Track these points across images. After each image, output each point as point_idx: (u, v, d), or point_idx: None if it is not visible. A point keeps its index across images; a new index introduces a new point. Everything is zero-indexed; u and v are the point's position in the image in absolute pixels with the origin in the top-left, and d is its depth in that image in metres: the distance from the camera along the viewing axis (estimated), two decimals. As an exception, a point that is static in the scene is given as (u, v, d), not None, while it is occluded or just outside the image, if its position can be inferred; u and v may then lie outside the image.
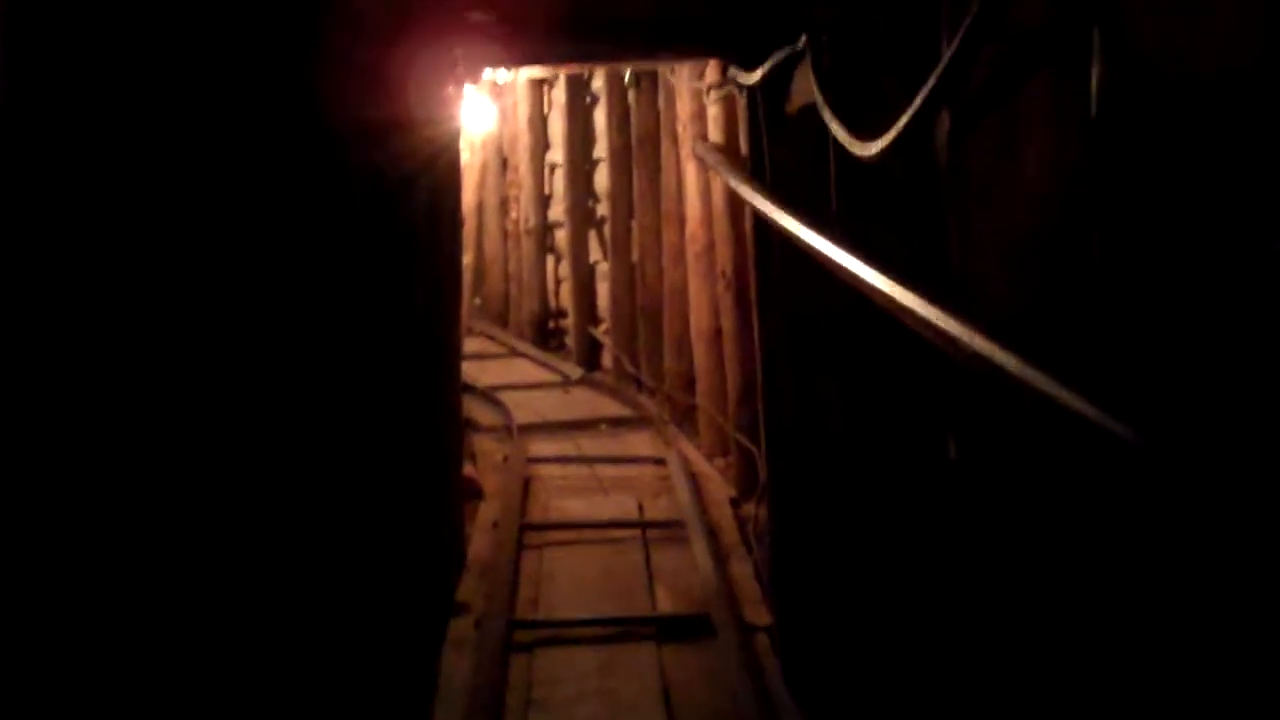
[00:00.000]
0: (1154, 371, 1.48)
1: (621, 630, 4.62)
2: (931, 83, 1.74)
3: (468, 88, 5.57)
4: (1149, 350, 1.49)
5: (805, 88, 2.88)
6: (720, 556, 5.16)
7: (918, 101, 1.78)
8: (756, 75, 3.48)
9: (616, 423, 7.59)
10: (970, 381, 1.90)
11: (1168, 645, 1.50)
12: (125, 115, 1.63)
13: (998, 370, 1.56)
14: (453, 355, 5.76)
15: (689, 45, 4.49)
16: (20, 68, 1.50)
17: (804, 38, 3.07)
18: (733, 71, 4.09)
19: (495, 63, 5.01)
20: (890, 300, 2.03)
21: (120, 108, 1.63)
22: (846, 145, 2.26)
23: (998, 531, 2.21)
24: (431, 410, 4.79)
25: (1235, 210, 1.35)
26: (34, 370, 1.54)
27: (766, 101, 3.57)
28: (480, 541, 5.56)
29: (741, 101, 4.50)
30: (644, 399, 7.87)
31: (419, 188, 4.43)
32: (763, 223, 3.79)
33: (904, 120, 1.85)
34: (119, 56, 1.62)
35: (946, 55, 1.75)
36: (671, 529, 5.59)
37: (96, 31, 1.60)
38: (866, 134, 2.44)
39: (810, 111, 2.83)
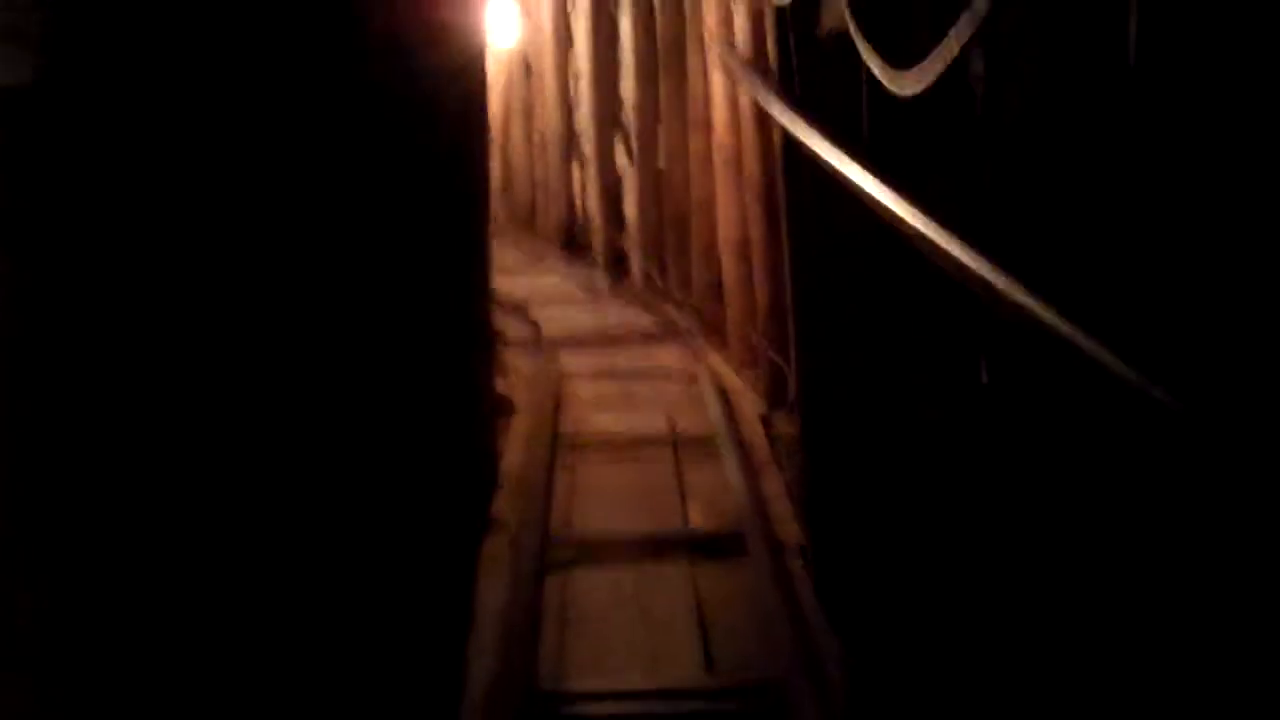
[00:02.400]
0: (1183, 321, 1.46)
1: (656, 547, 4.67)
2: (966, 27, 1.70)
3: (491, -1, 5.48)
4: (1176, 301, 1.47)
5: (837, 11, 2.82)
6: (752, 473, 5.19)
7: (953, 45, 1.74)
8: (785, -6, 3.40)
9: (645, 335, 7.59)
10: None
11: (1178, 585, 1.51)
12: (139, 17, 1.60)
13: (1033, 322, 1.55)
14: (484, 267, 5.75)
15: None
16: None
17: (834, -45, 3.00)
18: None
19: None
20: (922, 238, 2.01)
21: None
22: (884, 79, 2.22)
23: (1025, 457, 2.21)
24: (464, 324, 4.79)
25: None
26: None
27: (796, 21, 3.49)
28: (513, 458, 5.60)
29: (770, 14, 4.42)
30: (672, 310, 7.85)
31: (448, 98, 4.38)
32: (789, 138, 3.74)
33: (940, 64, 1.81)
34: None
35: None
36: (703, 445, 5.61)
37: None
38: (898, 62, 2.39)
39: (842, 36, 2.77)
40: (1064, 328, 1.47)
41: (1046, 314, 1.52)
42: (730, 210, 6.66)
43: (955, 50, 1.75)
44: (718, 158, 6.78)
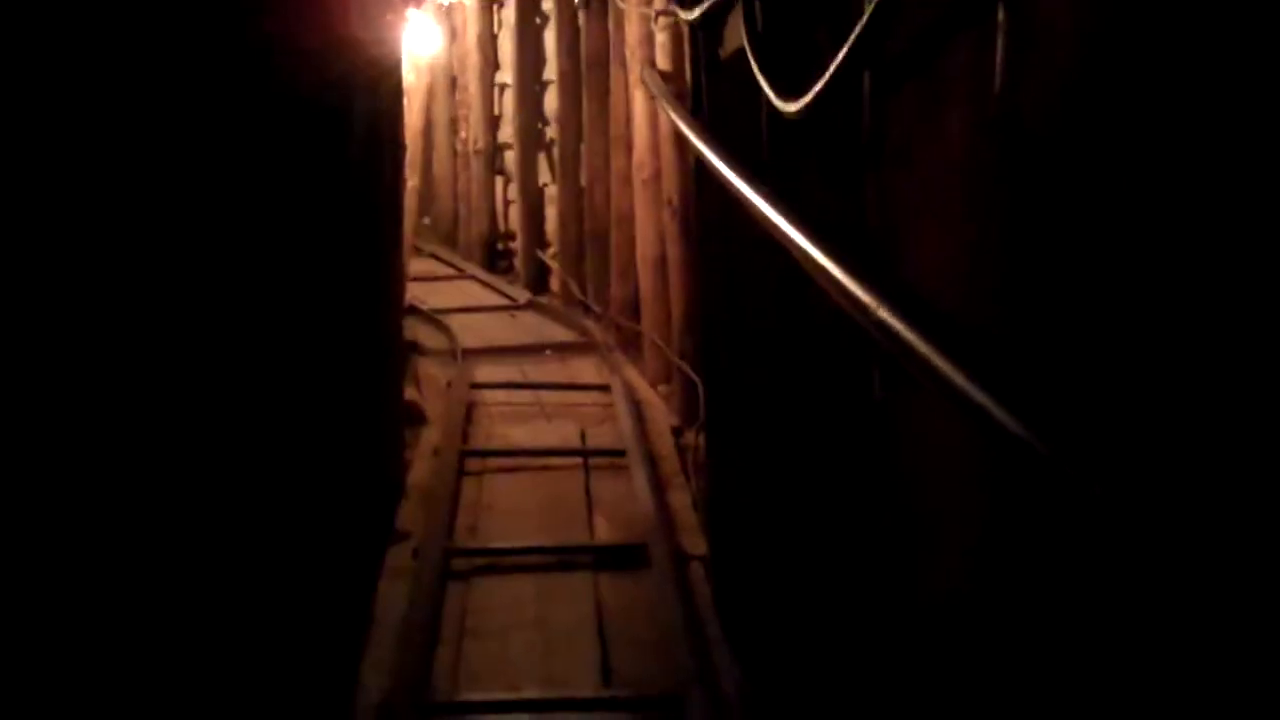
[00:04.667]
0: (1064, 341, 1.52)
1: (559, 559, 4.69)
2: (849, 44, 1.75)
3: (411, 10, 5.49)
4: (1057, 319, 1.53)
5: (739, 33, 2.87)
6: (660, 486, 5.23)
7: (835, 63, 1.79)
8: (695, 13, 3.45)
9: (562, 348, 7.61)
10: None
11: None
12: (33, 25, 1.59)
13: (903, 344, 1.59)
14: (394, 281, 5.74)
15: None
16: None
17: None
18: (675, 4, 4.05)
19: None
20: (808, 258, 2.06)
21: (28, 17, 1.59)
22: (772, 100, 2.27)
23: (915, 470, 2.26)
24: (371, 335, 4.79)
25: (1138, 192, 1.38)
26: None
27: (705, 41, 3.55)
28: (421, 468, 5.59)
29: (687, 34, 4.47)
30: (590, 324, 7.88)
31: (358, 112, 4.38)
32: (699, 158, 3.78)
33: (822, 82, 1.86)
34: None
35: (864, 17, 1.76)
36: (613, 457, 5.64)
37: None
38: (797, 86, 2.44)
39: (744, 57, 2.82)
40: (925, 349, 1.52)
41: (911, 335, 1.57)
42: (648, 228, 6.71)
43: (834, 68, 1.80)
44: (637, 176, 6.83)
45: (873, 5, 1.63)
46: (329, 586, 3.71)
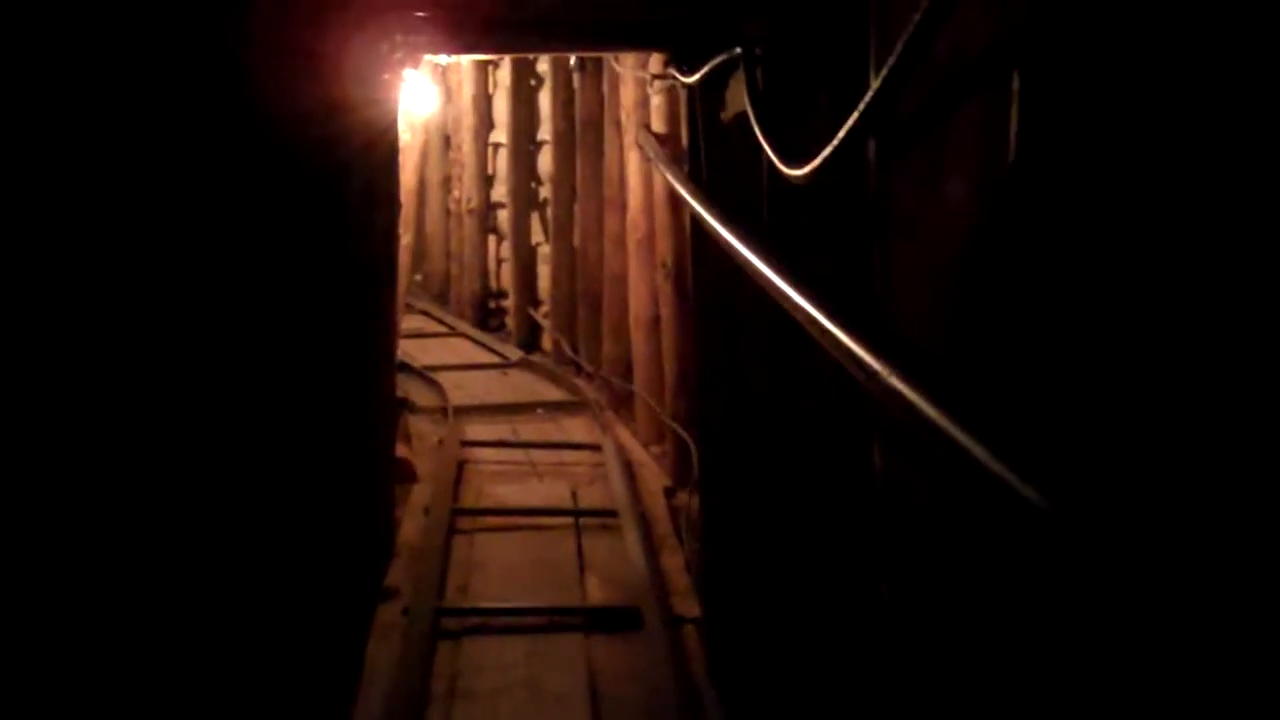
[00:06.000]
0: (1069, 405, 1.51)
1: (551, 620, 4.65)
2: (857, 113, 1.76)
3: (408, 71, 5.53)
4: (1064, 383, 1.52)
5: (740, 97, 2.89)
6: (652, 547, 5.20)
7: (843, 131, 1.80)
8: (695, 77, 3.48)
9: (554, 407, 7.60)
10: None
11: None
12: (36, 96, 1.59)
13: (912, 409, 1.59)
14: (387, 337, 5.73)
15: (628, 42, 4.49)
16: None
17: (738, 48, 3.08)
18: (673, 69, 4.09)
19: (436, 50, 4.98)
20: (813, 323, 2.06)
21: (31, 87, 1.59)
22: (776, 164, 2.28)
23: (917, 539, 2.25)
24: (363, 393, 4.77)
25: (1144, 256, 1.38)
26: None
27: (705, 104, 3.57)
28: (411, 526, 5.56)
29: (683, 97, 4.51)
30: (582, 383, 7.88)
31: (354, 171, 4.40)
32: (698, 220, 3.80)
33: (829, 150, 1.87)
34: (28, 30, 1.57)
35: (872, 88, 1.77)
36: (605, 518, 5.61)
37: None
38: (799, 149, 2.45)
39: (745, 120, 2.84)
40: (933, 413, 1.51)
41: (919, 399, 1.57)
42: (642, 289, 6.73)
43: (843, 135, 1.81)
44: (631, 237, 6.86)
45: (882, 76, 1.64)
46: (319, 644, 3.67)
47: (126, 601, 1.94)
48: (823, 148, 2.17)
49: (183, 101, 2.16)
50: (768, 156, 2.61)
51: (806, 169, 2.05)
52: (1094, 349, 1.44)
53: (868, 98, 1.74)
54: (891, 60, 1.57)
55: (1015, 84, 1.53)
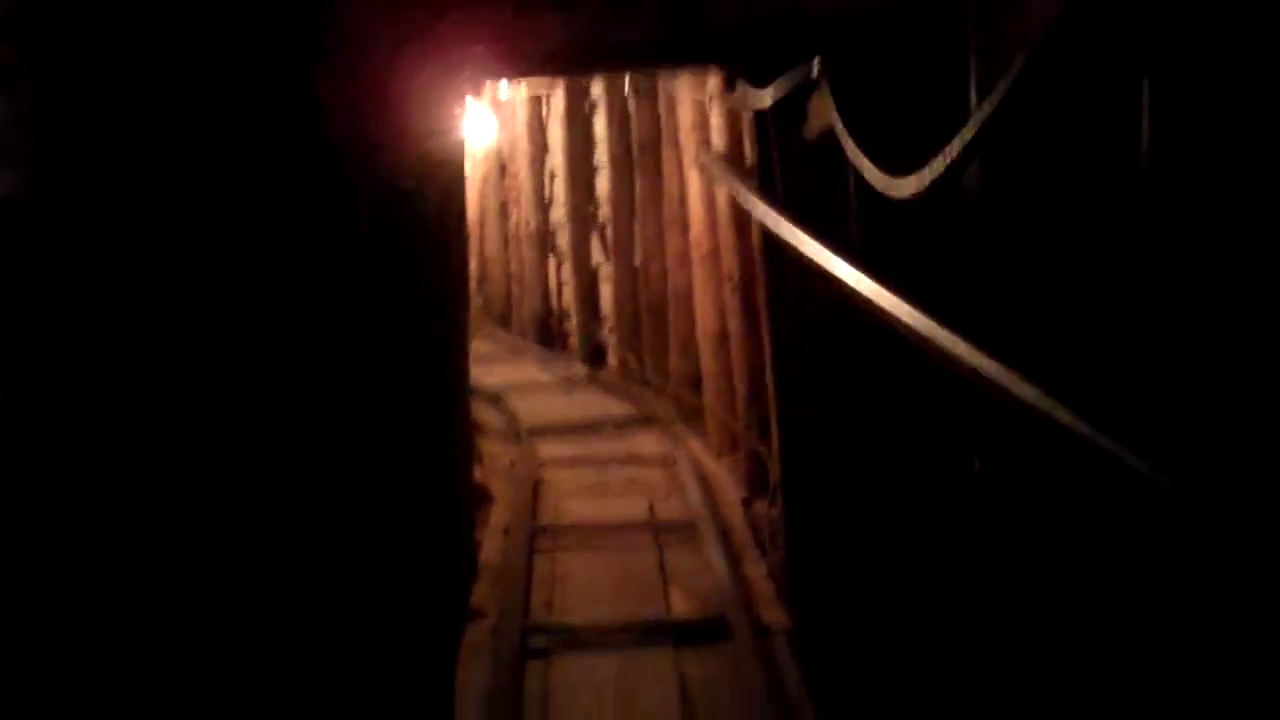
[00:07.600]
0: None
1: (637, 634, 4.69)
2: (971, 130, 1.81)
3: (469, 100, 5.64)
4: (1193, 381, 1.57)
5: (822, 113, 2.96)
6: (734, 557, 5.25)
7: (956, 148, 1.86)
8: (768, 98, 3.54)
9: (623, 423, 7.66)
10: (998, 404, 1.98)
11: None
12: (124, 134, 1.65)
13: (1041, 415, 1.64)
14: (461, 358, 5.83)
15: (694, 60, 4.56)
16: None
17: (817, 61, 3.12)
18: (741, 88, 4.15)
19: (498, 76, 5.08)
20: (921, 336, 2.11)
21: (119, 129, 1.64)
22: (875, 183, 2.34)
23: (1018, 546, 2.29)
24: (442, 415, 4.85)
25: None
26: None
27: (777, 122, 3.63)
28: (491, 546, 5.64)
29: (748, 115, 4.57)
30: (649, 397, 7.94)
31: (427, 197, 4.50)
32: (771, 235, 3.86)
33: (943, 166, 1.93)
34: (116, 75, 1.62)
35: (982, 112, 1.83)
36: (683, 530, 5.67)
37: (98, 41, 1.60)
38: (884, 162, 2.51)
39: (827, 136, 2.90)
40: (1063, 414, 1.57)
41: (1045, 402, 1.62)
42: (708, 304, 6.80)
43: (954, 156, 1.87)
44: (695, 253, 6.94)
45: (1000, 94, 1.69)
46: (412, 666, 3.74)
47: (235, 621, 2.00)
48: (913, 166, 2.22)
49: (293, 157, 2.25)
50: (856, 173, 2.67)
51: (912, 187, 2.11)
52: (1228, 355, 1.49)
53: (981, 115, 1.79)
54: (1011, 76, 1.62)
55: (1145, 94, 1.57)
